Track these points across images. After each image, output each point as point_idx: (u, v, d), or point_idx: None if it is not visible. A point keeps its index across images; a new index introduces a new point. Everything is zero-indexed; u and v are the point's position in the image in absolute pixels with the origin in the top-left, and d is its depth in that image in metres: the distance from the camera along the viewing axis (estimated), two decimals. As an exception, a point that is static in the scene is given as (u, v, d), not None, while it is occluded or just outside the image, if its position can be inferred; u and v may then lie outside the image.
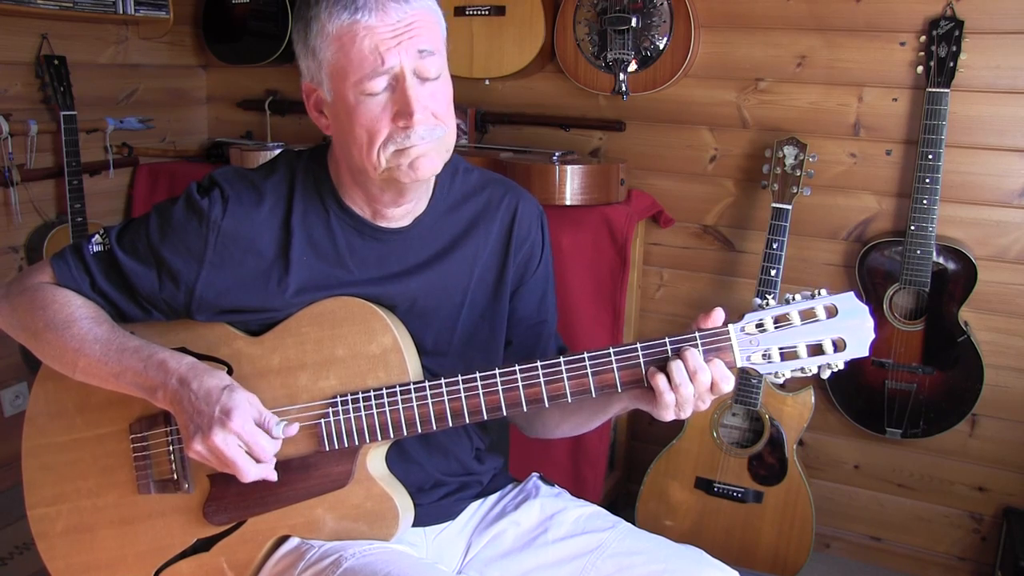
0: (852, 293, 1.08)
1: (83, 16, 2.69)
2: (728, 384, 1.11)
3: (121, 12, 2.77)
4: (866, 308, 1.08)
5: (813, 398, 2.36)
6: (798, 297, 1.09)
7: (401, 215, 1.27)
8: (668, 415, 1.13)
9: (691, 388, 1.09)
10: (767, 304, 1.10)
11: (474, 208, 1.33)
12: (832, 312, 1.08)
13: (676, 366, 1.09)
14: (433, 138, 1.14)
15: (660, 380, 1.10)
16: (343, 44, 1.11)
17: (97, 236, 1.28)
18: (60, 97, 2.64)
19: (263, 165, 1.30)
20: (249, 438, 1.12)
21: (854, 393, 2.41)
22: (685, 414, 1.13)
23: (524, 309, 1.39)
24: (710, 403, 1.13)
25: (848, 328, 1.07)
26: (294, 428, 1.18)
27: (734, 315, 1.11)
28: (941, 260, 2.25)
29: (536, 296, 1.41)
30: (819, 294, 1.09)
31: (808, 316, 1.08)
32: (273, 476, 1.16)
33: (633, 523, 1.35)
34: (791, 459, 2.35)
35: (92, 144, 2.90)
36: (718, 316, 1.12)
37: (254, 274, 1.24)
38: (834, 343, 1.08)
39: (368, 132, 1.13)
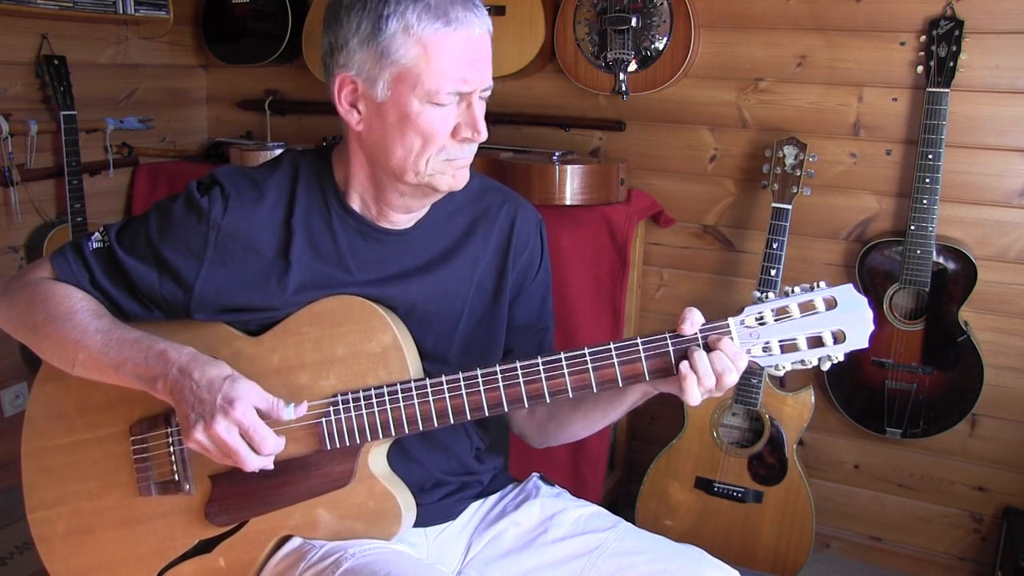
0: (851, 285, 1.09)
1: (83, 16, 2.69)
2: (740, 360, 1.10)
3: (121, 12, 2.77)
4: (865, 300, 1.09)
5: (813, 398, 2.36)
6: (797, 290, 1.10)
7: (405, 219, 1.28)
8: (696, 399, 1.12)
9: (712, 380, 1.10)
10: (766, 297, 1.11)
11: (473, 214, 1.33)
12: (831, 304, 1.08)
13: (698, 356, 1.10)
14: (474, 153, 1.20)
15: (689, 377, 1.10)
16: (427, 52, 1.11)
17: (97, 234, 1.28)
18: (60, 97, 2.64)
19: (265, 163, 1.30)
20: (251, 427, 1.11)
21: (854, 393, 2.41)
22: (719, 391, 1.12)
23: (525, 316, 1.39)
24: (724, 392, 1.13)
25: (847, 320, 1.08)
26: (303, 407, 1.18)
27: (733, 311, 1.11)
28: (941, 260, 2.25)
29: (536, 303, 1.41)
30: (818, 286, 1.09)
31: (807, 308, 1.09)
32: (270, 465, 1.16)
33: (633, 523, 1.35)
34: (791, 459, 2.35)
35: (92, 144, 2.90)
36: (696, 317, 1.12)
37: (254, 272, 1.23)
38: (834, 335, 1.08)
39: (424, 139, 1.15)
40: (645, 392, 1.23)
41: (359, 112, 1.19)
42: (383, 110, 1.16)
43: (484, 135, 1.18)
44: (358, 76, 1.15)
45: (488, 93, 1.19)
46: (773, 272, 2.28)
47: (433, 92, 1.12)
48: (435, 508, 1.35)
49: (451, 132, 1.16)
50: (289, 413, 1.16)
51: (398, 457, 1.28)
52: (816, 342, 1.09)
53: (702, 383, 1.10)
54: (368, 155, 1.22)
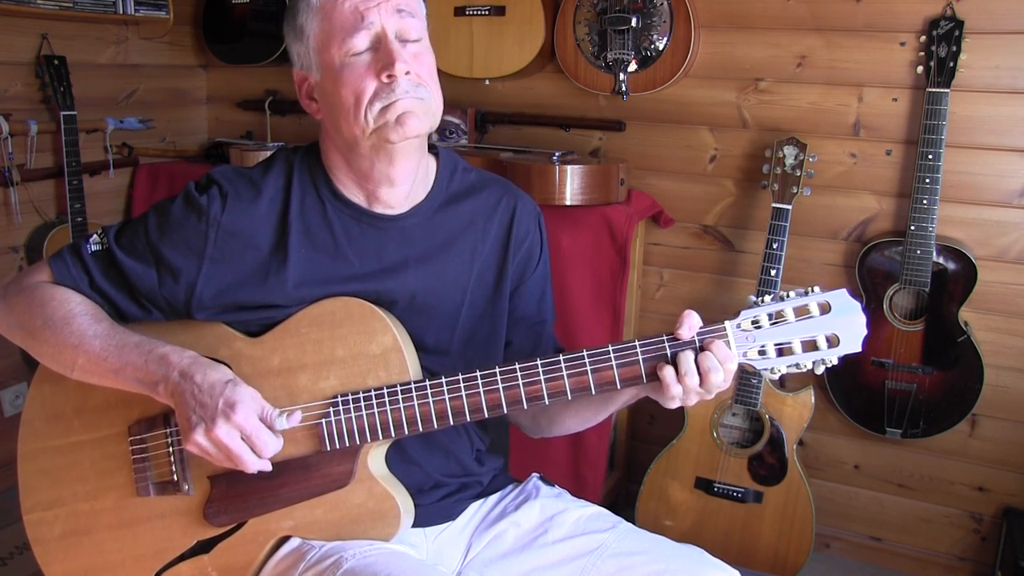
0: (844, 290, 1.10)
1: (83, 16, 2.69)
2: (731, 363, 1.11)
3: (121, 12, 2.77)
4: (858, 304, 1.10)
5: (813, 398, 2.36)
6: (792, 294, 1.11)
7: (397, 200, 1.28)
8: (674, 404, 1.14)
9: (696, 379, 1.11)
10: (762, 301, 1.12)
11: (472, 206, 1.34)
12: (825, 308, 1.10)
13: (684, 356, 1.11)
14: (417, 95, 1.18)
15: (667, 372, 1.11)
16: (326, 12, 1.19)
17: (95, 236, 1.28)
18: (60, 97, 2.64)
19: (260, 162, 1.32)
20: (252, 431, 1.12)
21: (854, 393, 2.41)
22: (691, 403, 1.14)
23: (524, 308, 1.40)
24: (715, 393, 1.13)
25: (841, 324, 1.09)
26: (296, 417, 1.18)
27: (733, 312, 1.12)
28: (941, 260, 2.25)
29: (536, 295, 1.41)
30: (812, 291, 1.11)
31: (802, 313, 1.10)
32: (268, 467, 1.16)
33: (633, 523, 1.35)
34: (791, 459, 2.35)
35: (92, 144, 2.90)
36: (694, 320, 1.12)
37: (254, 269, 1.24)
38: (828, 339, 1.10)
39: (355, 93, 1.17)
40: (635, 393, 1.24)
41: (316, 102, 1.25)
42: (324, 87, 1.22)
43: (399, 67, 1.16)
44: (302, 68, 1.25)
45: (415, 35, 1.20)
46: (773, 272, 2.28)
47: (341, 44, 1.17)
48: (435, 508, 1.35)
49: (376, 76, 1.17)
50: (282, 424, 1.16)
51: (397, 459, 1.28)
52: (810, 346, 1.10)
53: (684, 381, 1.10)
54: (334, 139, 1.26)
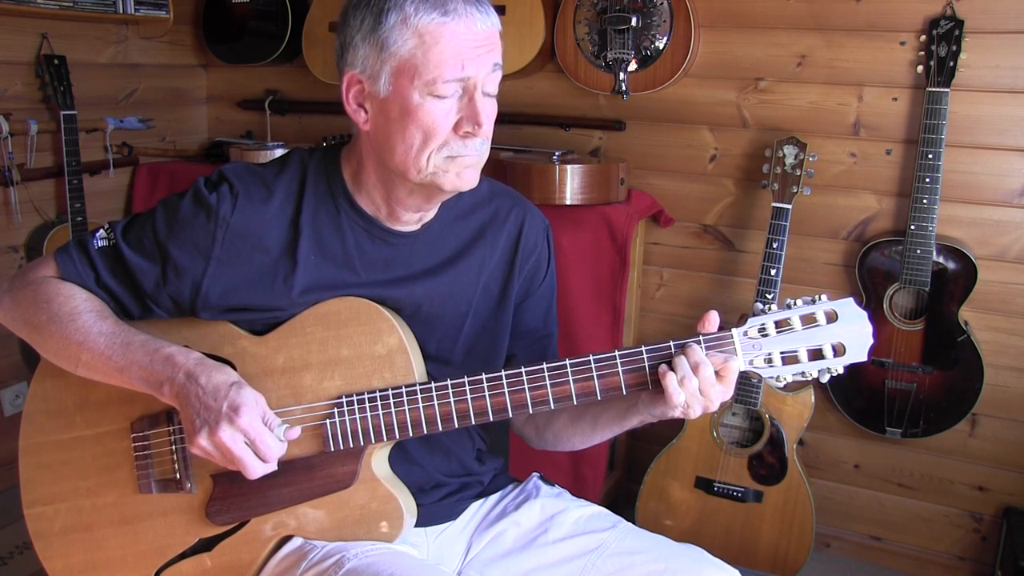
0: (852, 299, 1.11)
1: (83, 16, 2.69)
2: (732, 368, 1.11)
3: (121, 12, 2.77)
4: (865, 314, 1.10)
5: (813, 398, 2.36)
6: (799, 302, 1.12)
7: (414, 220, 1.28)
8: (677, 413, 1.14)
9: (695, 382, 1.10)
10: (769, 309, 1.12)
11: (482, 218, 1.33)
12: (832, 317, 1.10)
13: (679, 360, 1.11)
14: (483, 151, 1.18)
15: (670, 379, 1.11)
16: (424, 42, 1.11)
17: (102, 231, 1.27)
18: (60, 97, 2.64)
19: (273, 161, 1.29)
20: (256, 436, 1.11)
21: (854, 393, 2.41)
22: (694, 413, 1.13)
23: (530, 321, 1.40)
24: (718, 403, 1.13)
25: (848, 333, 1.10)
26: (295, 432, 1.17)
27: (734, 315, 1.12)
28: (941, 260, 2.25)
29: (542, 308, 1.41)
30: (819, 299, 1.11)
31: (809, 321, 1.10)
32: (273, 468, 1.16)
33: (633, 523, 1.36)
34: (791, 459, 2.35)
35: (92, 144, 2.90)
36: (714, 319, 1.13)
37: (261, 271, 1.23)
38: (834, 348, 1.10)
39: (424, 133, 1.13)
40: (643, 420, 1.23)
41: (366, 111, 1.18)
42: (386, 106, 1.15)
43: (486, 129, 1.15)
44: (363, 73, 1.16)
45: (493, 89, 1.17)
46: (773, 272, 2.28)
47: (431, 82, 1.11)
48: (435, 508, 1.35)
49: (453, 127, 1.14)
50: (280, 434, 1.15)
51: (398, 459, 1.28)
52: (816, 354, 1.11)
53: (685, 385, 1.10)
54: (376, 154, 1.21)
